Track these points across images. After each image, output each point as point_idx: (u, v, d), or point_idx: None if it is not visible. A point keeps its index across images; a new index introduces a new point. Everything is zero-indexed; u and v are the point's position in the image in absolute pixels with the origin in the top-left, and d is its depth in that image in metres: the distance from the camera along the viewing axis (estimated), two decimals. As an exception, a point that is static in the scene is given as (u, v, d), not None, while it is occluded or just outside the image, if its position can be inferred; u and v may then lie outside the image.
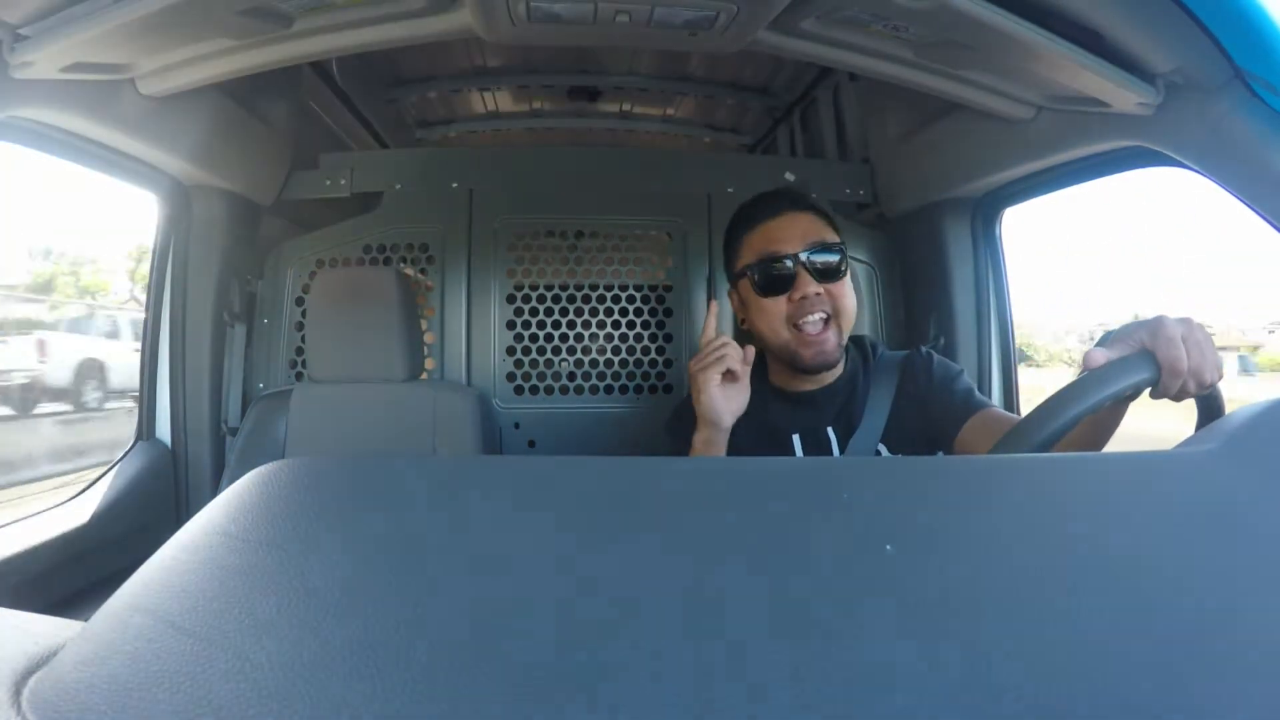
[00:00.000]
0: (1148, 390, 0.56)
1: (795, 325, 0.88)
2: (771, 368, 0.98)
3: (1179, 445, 0.43)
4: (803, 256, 0.87)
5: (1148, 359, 0.55)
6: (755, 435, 0.93)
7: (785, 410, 0.95)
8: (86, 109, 0.85)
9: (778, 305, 0.88)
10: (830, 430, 0.93)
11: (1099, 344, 0.58)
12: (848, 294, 0.90)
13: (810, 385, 0.94)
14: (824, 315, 0.87)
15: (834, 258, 0.89)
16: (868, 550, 0.30)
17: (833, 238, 0.90)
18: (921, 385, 0.93)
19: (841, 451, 0.92)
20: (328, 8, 0.84)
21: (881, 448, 0.91)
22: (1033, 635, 0.26)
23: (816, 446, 0.93)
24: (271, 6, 0.80)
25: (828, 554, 0.31)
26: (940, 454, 0.93)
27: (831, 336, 0.88)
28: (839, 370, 0.95)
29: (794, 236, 0.89)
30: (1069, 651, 0.25)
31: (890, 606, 0.27)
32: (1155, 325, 0.56)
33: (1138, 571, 0.30)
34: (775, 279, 0.88)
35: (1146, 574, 0.29)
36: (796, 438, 0.93)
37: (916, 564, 0.29)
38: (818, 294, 0.87)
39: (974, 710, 0.23)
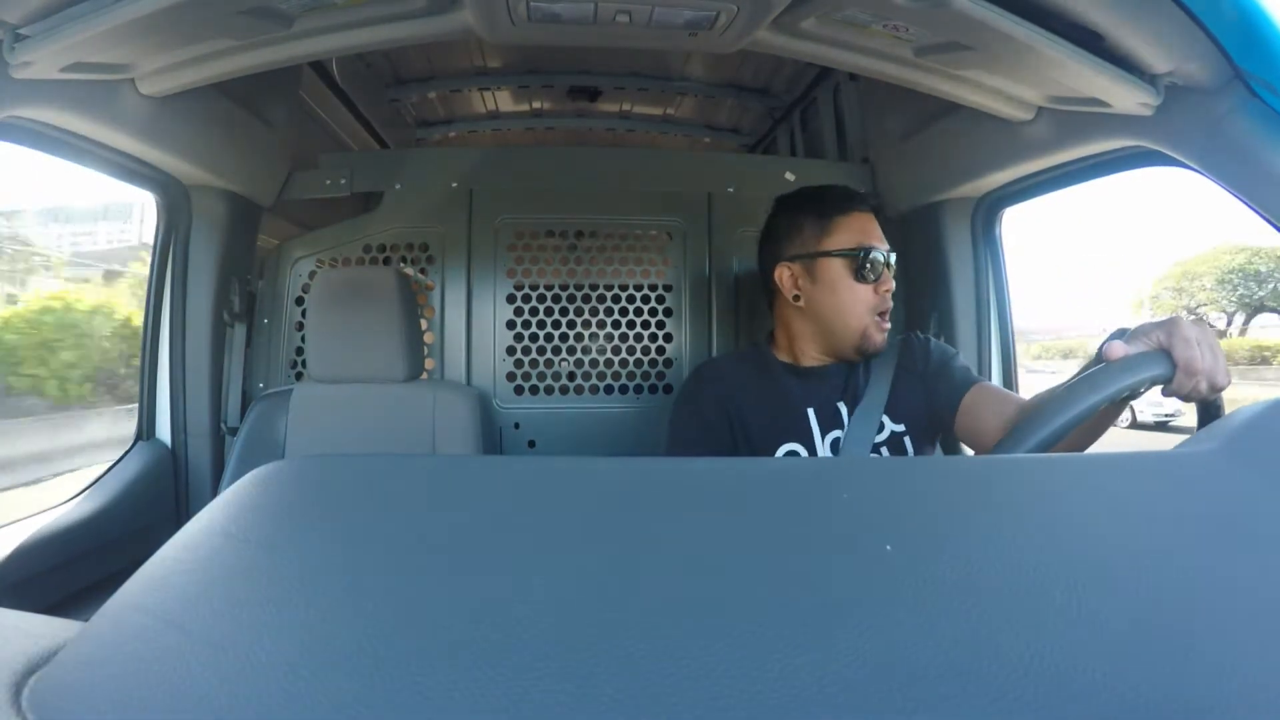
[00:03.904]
0: (1159, 388, 0.58)
1: (875, 314, 0.95)
2: (780, 345, 1.02)
3: (1179, 445, 0.43)
4: (890, 256, 0.96)
5: (1164, 356, 0.57)
6: (771, 410, 0.96)
7: (797, 385, 0.98)
8: (86, 109, 0.85)
9: (867, 293, 0.95)
10: (841, 403, 0.97)
11: (1113, 338, 0.59)
12: None
13: (819, 361, 0.99)
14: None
15: (896, 266, 0.98)
16: (867, 550, 0.30)
17: None
18: (920, 365, 0.99)
19: (850, 420, 0.96)
20: (328, 8, 0.84)
21: (885, 419, 0.96)
22: (1033, 635, 0.26)
23: (829, 417, 0.96)
24: (271, 6, 0.80)
25: (828, 554, 0.31)
26: (939, 444, 1.00)
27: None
28: None
29: (878, 235, 0.97)
30: (1069, 651, 0.25)
31: (890, 606, 0.27)
32: (1172, 325, 0.58)
33: (1138, 571, 0.30)
34: (874, 269, 0.95)
35: (1146, 574, 0.29)
36: (811, 411, 0.96)
37: (916, 564, 0.29)
38: (890, 291, 0.96)
39: (974, 709, 0.23)
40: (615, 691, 0.23)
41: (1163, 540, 0.32)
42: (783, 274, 0.99)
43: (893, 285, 0.96)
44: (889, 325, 0.96)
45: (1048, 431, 0.53)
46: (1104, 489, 0.37)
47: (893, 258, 0.96)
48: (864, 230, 0.96)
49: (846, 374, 0.99)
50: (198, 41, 0.85)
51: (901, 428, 0.96)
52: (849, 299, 0.95)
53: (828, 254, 0.96)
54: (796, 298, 0.99)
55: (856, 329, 0.95)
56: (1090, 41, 0.77)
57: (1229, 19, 0.68)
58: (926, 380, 0.98)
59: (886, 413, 0.96)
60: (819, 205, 0.99)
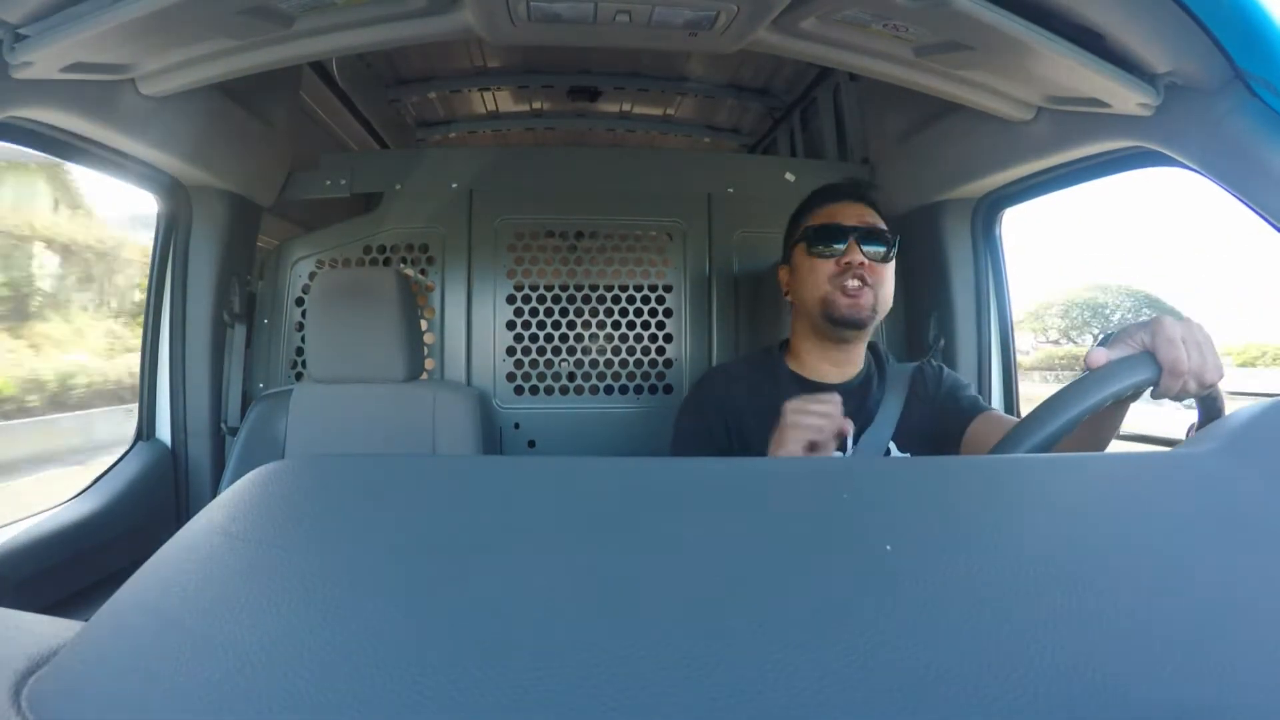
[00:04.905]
0: (1149, 391, 0.57)
1: (838, 283, 0.93)
2: (791, 350, 1.01)
3: (1179, 445, 0.43)
4: (856, 233, 0.94)
5: (1148, 359, 0.56)
6: (770, 425, 0.93)
7: None
8: (86, 109, 0.85)
9: (825, 265, 0.94)
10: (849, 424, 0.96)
11: (1099, 344, 0.59)
12: (888, 277, 0.96)
13: (831, 378, 0.98)
14: (863, 281, 0.93)
15: (881, 245, 0.96)
16: (867, 550, 0.30)
17: (885, 231, 0.98)
18: (931, 392, 0.99)
19: (855, 444, 0.95)
20: (328, 8, 0.84)
21: (892, 445, 0.95)
22: (1032, 635, 0.26)
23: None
24: (271, 6, 0.80)
25: (827, 554, 0.31)
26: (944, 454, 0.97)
27: (868, 298, 0.93)
28: (857, 370, 1.00)
29: (852, 216, 0.96)
30: (1069, 651, 0.25)
31: (890, 606, 0.27)
32: (1155, 326, 0.57)
33: (1138, 571, 0.30)
34: (828, 242, 0.95)
35: (1147, 573, 0.29)
36: None
37: (916, 564, 0.29)
38: (862, 264, 0.93)
39: (973, 709, 0.23)
40: (615, 691, 0.23)
41: (1163, 540, 0.32)
42: (782, 277, 1.03)
43: (860, 258, 0.92)
44: (863, 299, 0.92)
45: (1022, 452, 0.51)
46: (1104, 489, 0.37)
47: (869, 238, 0.93)
48: (831, 214, 0.96)
49: (861, 397, 0.98)
50: (198, 41, 0.85)
51: (908, 457, 0.95)
52: (808, 274, 0.96)
53: (798, 241, 0.98)
54: (787, 293, 1.02)
55: (816, 299, 0.94)
56: (1090, 41, 0.77)
57: (1229, 19, 0.68)
58: (935, 406, 0.97)
59: (894, 440, 0.95)
60: (804, 205, 1.02)
